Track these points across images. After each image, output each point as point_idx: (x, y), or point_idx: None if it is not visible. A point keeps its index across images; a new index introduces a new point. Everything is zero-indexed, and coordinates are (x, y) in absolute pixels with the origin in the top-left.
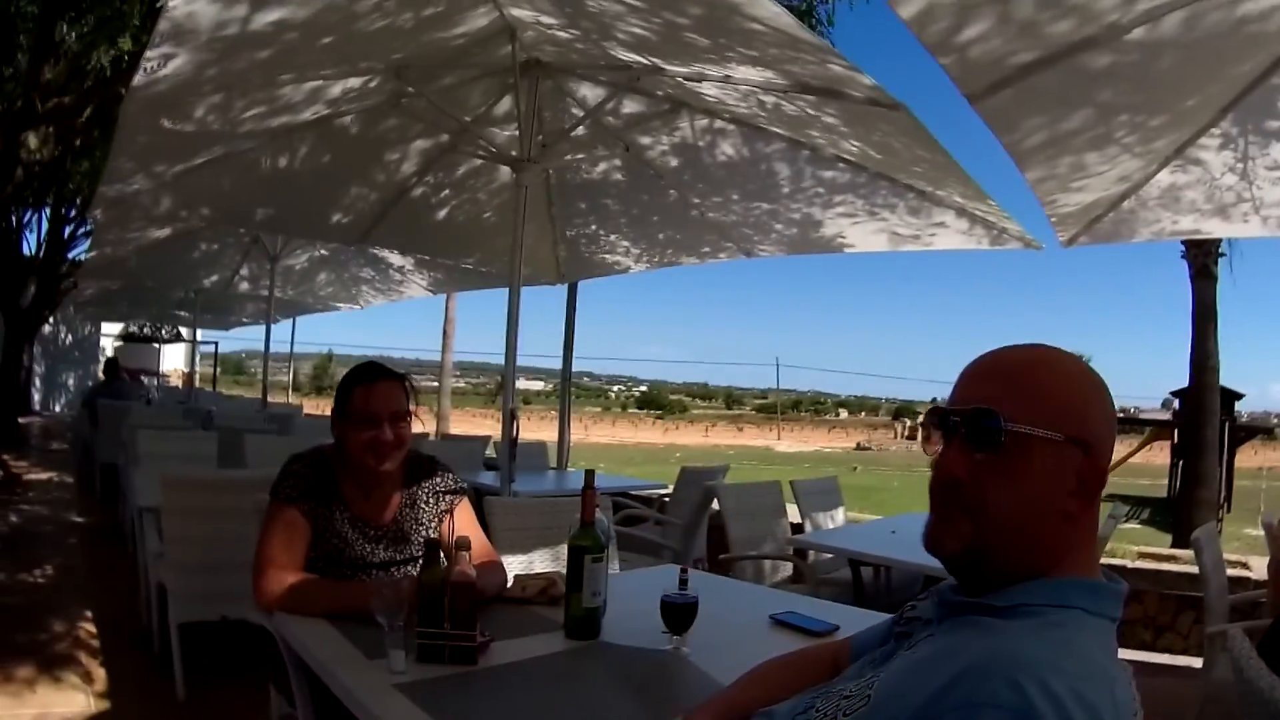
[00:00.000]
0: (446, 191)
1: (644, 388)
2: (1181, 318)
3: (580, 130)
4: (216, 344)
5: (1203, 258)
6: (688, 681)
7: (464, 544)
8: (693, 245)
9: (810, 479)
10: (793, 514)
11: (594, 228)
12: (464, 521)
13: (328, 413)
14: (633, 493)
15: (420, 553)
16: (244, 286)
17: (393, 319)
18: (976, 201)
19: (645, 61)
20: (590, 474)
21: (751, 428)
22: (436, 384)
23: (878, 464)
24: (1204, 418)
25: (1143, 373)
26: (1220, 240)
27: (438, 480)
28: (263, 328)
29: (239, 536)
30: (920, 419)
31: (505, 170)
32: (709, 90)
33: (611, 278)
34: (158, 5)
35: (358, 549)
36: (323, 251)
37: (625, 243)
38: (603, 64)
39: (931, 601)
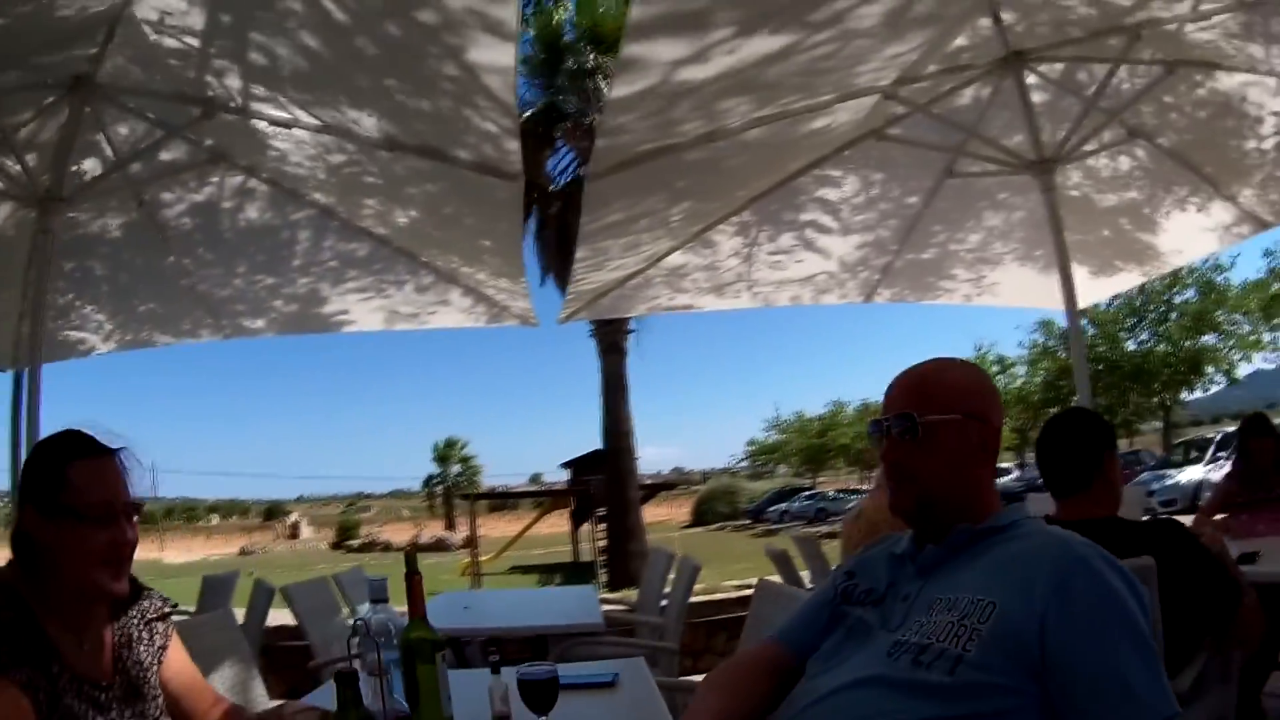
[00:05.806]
0: None
1: None
2: (570, 393)
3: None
4: None
5: (613, 335)
6: None
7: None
8: (173, 322)
9: (348, 570)
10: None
11: (69, 297)
12: (183, 658)
13: None
14: None
15: (159, 712)
16: None
17: None
18: (502, 279)
19: (237, 101)
20: (411, 557)
21: None
22: None
23: (269, 567)
24: (624, 479)
25: (541, 444)
26: (629, 319)
27: (146, 605)
28: None
29: None
30: (869, 424)
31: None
32: (278, 143)
33: None
34: None
35: None
36: None
37: (100, 316)
38: (170, 93)
39: (933, 551)
